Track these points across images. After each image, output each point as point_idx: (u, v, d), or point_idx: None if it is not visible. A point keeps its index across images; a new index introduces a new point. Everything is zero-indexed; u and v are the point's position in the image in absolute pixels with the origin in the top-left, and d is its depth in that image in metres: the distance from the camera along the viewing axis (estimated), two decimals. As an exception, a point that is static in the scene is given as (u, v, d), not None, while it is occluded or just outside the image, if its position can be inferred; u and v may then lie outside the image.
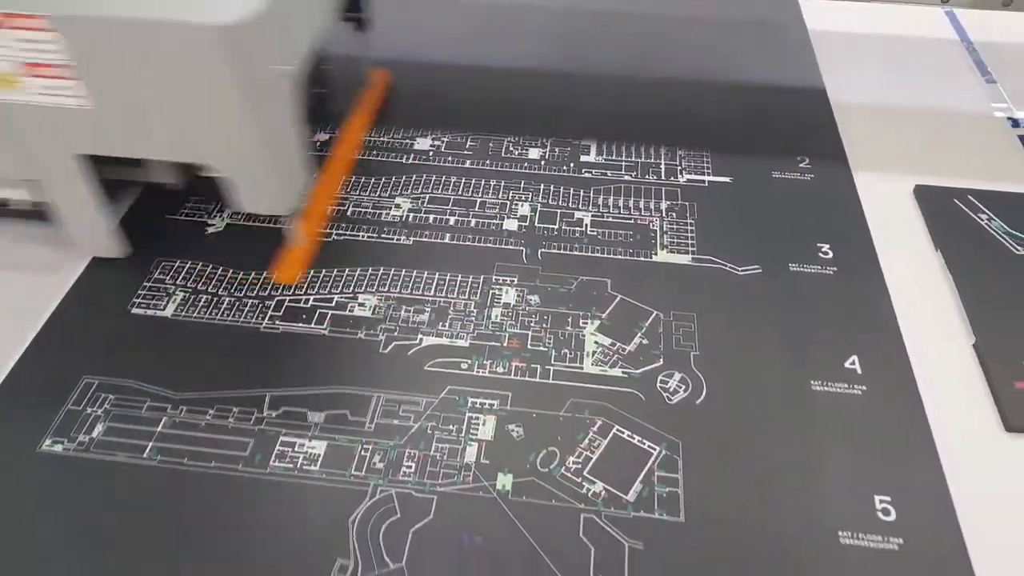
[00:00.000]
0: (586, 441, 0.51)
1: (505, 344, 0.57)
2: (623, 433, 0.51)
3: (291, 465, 0.49)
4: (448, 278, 0.61)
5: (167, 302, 0.59)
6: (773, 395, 0.53)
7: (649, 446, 0.50)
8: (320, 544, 0.45)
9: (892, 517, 0.47)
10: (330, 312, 0.59)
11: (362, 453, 0.50)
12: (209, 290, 0.60)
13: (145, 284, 0.60)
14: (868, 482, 0.49)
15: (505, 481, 0.48)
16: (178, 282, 0.61)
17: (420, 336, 0.57)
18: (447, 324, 0.58)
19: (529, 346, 0.56)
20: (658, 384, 0.54)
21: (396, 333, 0.57)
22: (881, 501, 0.48)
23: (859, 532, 0.46)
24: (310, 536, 0.45)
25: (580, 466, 0.49)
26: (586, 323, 0.58)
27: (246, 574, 0.44)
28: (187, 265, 0.62)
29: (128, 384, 0.53)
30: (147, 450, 0.50)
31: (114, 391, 0.53)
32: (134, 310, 0.59)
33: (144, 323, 0.58)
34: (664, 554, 0.45)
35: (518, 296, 0.60)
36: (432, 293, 0.60)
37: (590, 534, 0.46)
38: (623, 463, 0.49)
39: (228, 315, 0.58)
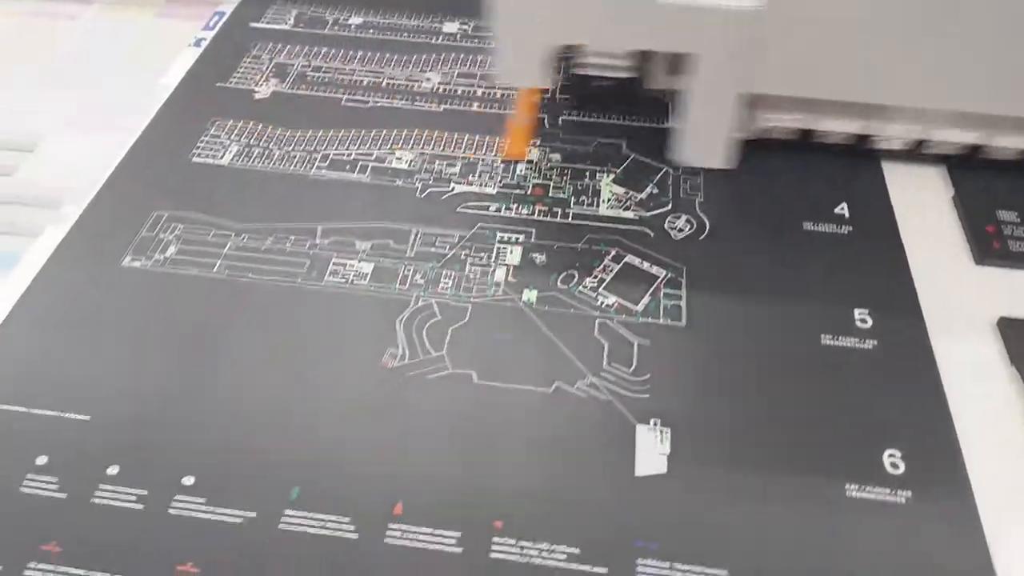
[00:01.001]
0: (601, 266, 0.57)
1: (529, 192, 0.63)
2: (634, 260, 0.58)
3: (343, 280, 0.56)
4: (476, 139, 0.68)
5: (224, 153, 0.66)
6: (768, 234, 0.60)
7: (656, 270, 0.57)
8: (372, 338, 0.52)
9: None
10: (371, 164, 0.65)
11: (404, 272, 0.57)
12: (260, 144, 0.67)
13: (203, 138, 0.67)
14: (850, 300, 0.55)
15: (530, 296, 0.55)
16: (232, 137, 0.67)
17: (452, 184, 0.64)
18: (476, 175, 0.64)
19: (551, 194, 0.63)
20: (666, 224, 0.61)
21: (431, 182, 0.64)
22: (859, 312, 0.54)
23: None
24: (362, 332, 0.53)
25: (596, 284, 0.56)
26: (602, 176, 0.65)
27: (308, 360, 0.51)
28: (239, 124, 0.68)
29: (194, 216, 0.60)
30: (216, 266, 0.57)
31: (182, 221, 0.60)
32: (195, 159, 0.65)
33: (204, 170, 0.64)
34: (667, 349, 0.52)
35: (541, 153, 0.66)
36: (463, 151, 0.67)
37: (604, 333, 0.53)
38: (633, 283, 0.56)
39: (279, 165, 0.65)
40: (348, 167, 0.65)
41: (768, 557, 0.42)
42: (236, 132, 0.68)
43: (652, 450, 0.47)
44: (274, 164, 0.65)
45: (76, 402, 0.48)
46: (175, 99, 0.71)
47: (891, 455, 0.47)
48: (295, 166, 0.65)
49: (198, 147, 0.66)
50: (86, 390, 0.49)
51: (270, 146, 0.66)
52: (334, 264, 0.57)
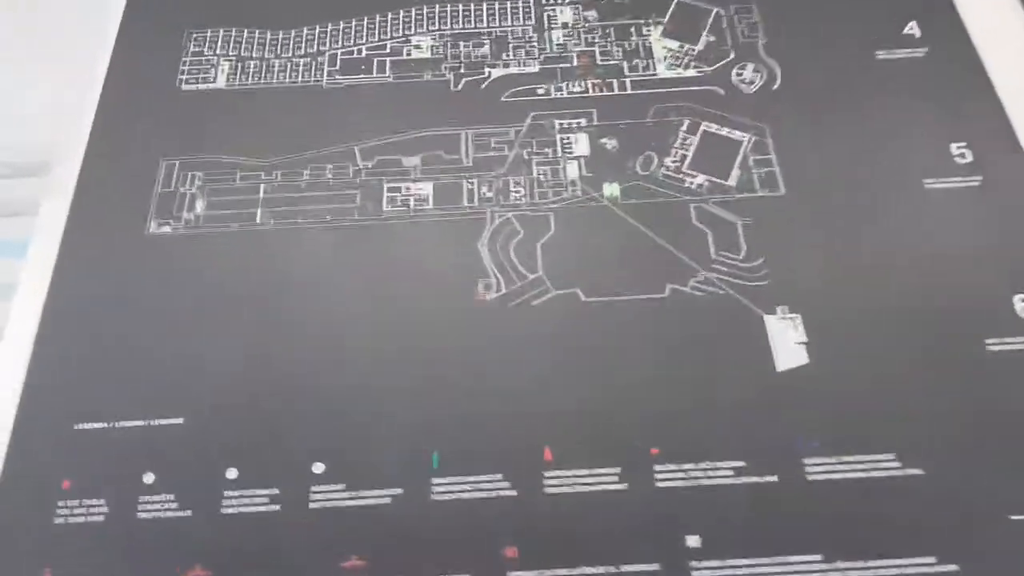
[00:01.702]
0: (678, 141, 0.52)
1: (575, 63, 0.56)
2: (711, 128, 0.53)
3: (404, 208, 0.50)
4: (497, 6, 0.59)
5: (215, 73, 0.56)
6: (842, 68, 0.55)
7: (738, 135, 0.52)
8: (457, 270, 0.47)
9: (969, 159, 0.50)
10: (388, 60, 0.57)
11: (468, 187, 0.51)
12: (254, 55, 0.57)
13: (184, 59, 0.57)
14: (943, 134, 0.52)
15: (612, 190, 0.50)
16: (217, 52, 0.57)
17: (487, 69, 0.56)
18: (511, 53, 0.57)
19: (599, 61, 0.56)
20: (733, 77, 0.55)
21: (462, 70, 0.56)
22: (958, 147, 0.51)
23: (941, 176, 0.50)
24: (445, 265, 0.48)
25: (678, 164, 0.51)
26: (649, 31, 0.57)
27: (397, 310, 0.46)
28: (220, 33, 0.58)
29: (210, 159, 0.52)
30: (257, 216, 0.50)
31: (199, 168, 0.52)
32: (184, 87, 0.56)
33: (199, 99, 0.55)
34: (772, 223, 0.48)
35: (574, 14, 0.58)
36: (485, 24, 0.58)
37: (703, 219, 0.49)
38: (717, 154, 0.52)
39: (283, 77, 0.56)
40: (363, 67, 0.56)
41: (934, 424, 0.41)
42: (221, 44, 0.58)
43: (787, 341, 0.44)
44: (277, 77, 0.56)
45: (162, 405, 0.44)
46: (133, 11, 0.60)
47: (1025, 300, 0.45)
48: (302, 76, 0.56)
49: (183, 71, 0.57)
50: (167, 389, 0.44)
51: (266, 55, 0.57)
52: (388, 191, 0.51)
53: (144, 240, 0.49)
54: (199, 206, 0.50)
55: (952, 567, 0.38)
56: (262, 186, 0.51)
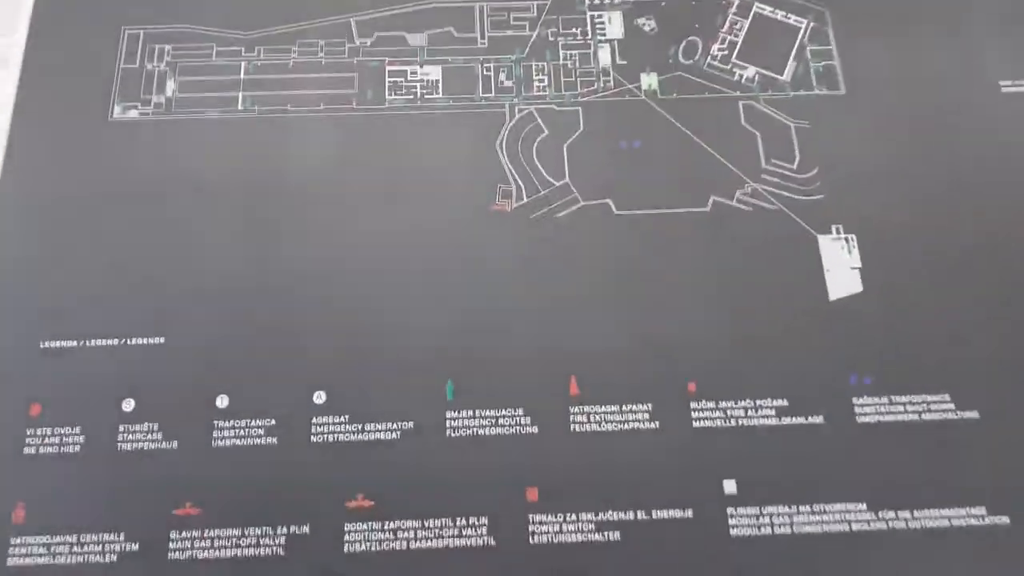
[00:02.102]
0: (727, 24, 0.45)
1: (608, -77, 0.48)
2: (764, 9, 0.46)
3: (410, 96, 0.43)
4: None
5: (182, -77, 0.47)
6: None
7: (795, 20, 0.45)
8: (472, 173, 0.41)
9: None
10: (387, -90, 0.48)
11: (484, 73, 0.44)
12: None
13: (143, -97, 0.48)
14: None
15: (650, 81, 0.44)
16: None
17: (505, -73, 0.47)
18: (532, -93, 0.48)
19: (636, -77, 0.48)
20: (792, -51, 0.47)
21: (475, -73, 0.47)
22: (1044, 45, 0.45)
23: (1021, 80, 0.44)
24: (457, 167, 0.42)
25: (726, 52, 0.44)
26: None
27: (404, 221, 0.41)
28: None
29: (182, 30, 0.45)
30: (239, 101, 0.43)
31: (168, 40, 0.44)
32: (144, -62, 0.47)
33: (164, -46, 0.47)
34: (830, 128, 0.43)
35: None
36: None
37: (752, 119, 0.43)
38: (771, 41, 0.45)
39: (263, -70, 0.47)
40: (357, -81, 0.48)
41: (993, 365, 0.38)
42: None
43: (841, 265, 0.40)
44: (256, -71, 0.47)
45: (139, 322, 0.38)
46: None
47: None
48: (285, -72, 0.47)
49: (142, -83, 0.47)
50: (144, 303, 0.39)
51: (240, -99, 0.48)
52: (391, 75, 0.44)
53: (108, 127, 0.42)
54: (170, 87, 0.43)
55: (1003, 519, 0.35)
56: (243, 64, 0.44)
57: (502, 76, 0.44)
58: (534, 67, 0.44)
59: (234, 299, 0.39)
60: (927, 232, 0.40)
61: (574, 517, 0.35)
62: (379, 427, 0.37)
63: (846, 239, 0.40)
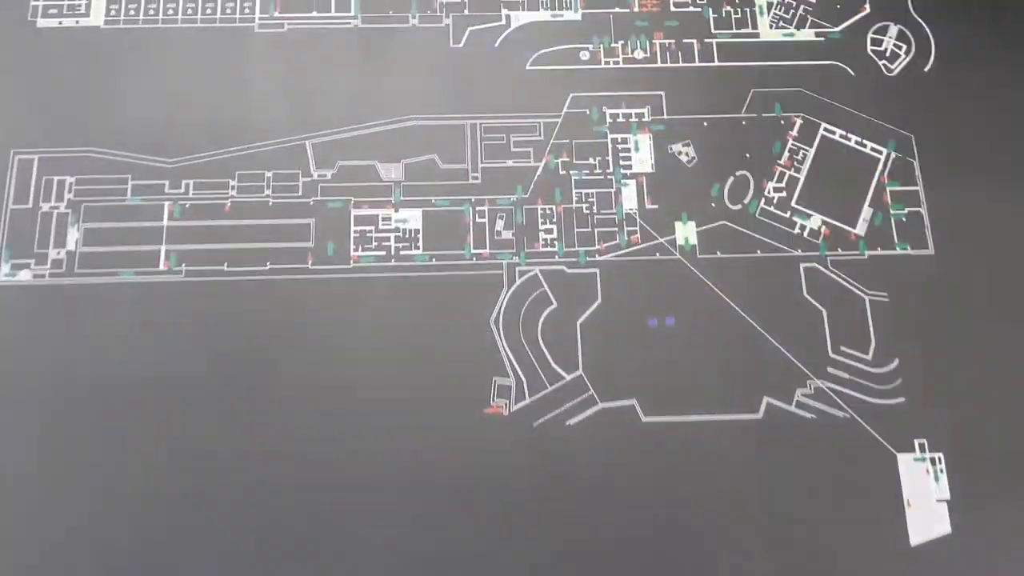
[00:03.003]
0: (786, 153, 0.36)
1: (636, 8, 0.37)
2: (833, 133, 0.36)
3: (381, 252, 0.34)
4: (520, -101, 0.39)
5: (87, 1, 0.37)
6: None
7: (872, 148, 0.36)
8: (460, 362, 0.33)
9: None
10: (353, -15, 0.37)
11: (477, 218, 0.34)
12: (147, -31, 0.37)
13: (38, -27, 0.37)
14: None
15: (687, 233, 0.34)
16: (90, -40, 0.37)
17: (504, 10, 0.37)
18: (540, -20, 0.38)
19: (673, 6, 0.37)
20: (869, 46, 0.37)
21: (466, 11, 0.37)
22: None
23: None
24: (442, 352, 0.33)
25: (784, 194, 0.35)
26: (748, -44, 0.38)
27: (356, 421, 0.32)
28: (92, -74, 0.38)
29: (89, 155, 0.35)
30: (162, 257, 0.33)
31: (71, 168, 0.35)
32: (41, 22, 0.36)
33: (65, 43, 0.36)
34: (915, 301, 0.34)
35: (636, -81, 0.39)
36: (501, -71, 0.38)
37: (816, 287, 0.34)
38: (841, 180, 0.35)
39: (193, 11, 0.37)
40: (316, -2, 0.37)
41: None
42: (93, -54, 0.38)
43: (925, 497, 0.31)
44: (186, 11, 0.37)
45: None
46: None
47: None
48: (222, 9, 0.37)
49: (37, -7, 0.37)
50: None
51: (165, -30, 0.37)
52: (357, 222, 0.34)
53: (-6, 286, 0.33)
54: (72, 238, 0.34)
55: None
56: (166, 207, 0.34)
57: (499, 225, 0.34)
58: (540, 212, 0.34)
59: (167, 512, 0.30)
60: (1035, 451, 0.32)
61: None
62: None
63: (932, 460, 0.32)
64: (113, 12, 0.36)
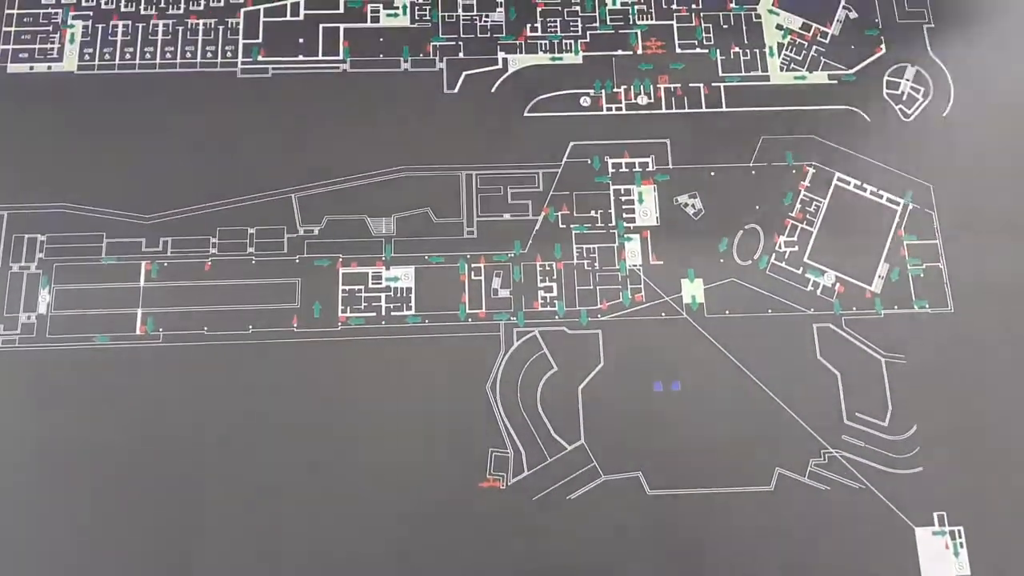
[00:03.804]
0: (797, 205, 0.34)
1: (640, 50, 0.35)
2: (847, 183, 0.34)
3: (371, 313, 0.32)
4: (517, -68, 0.37)
5: (59, 44, 0.35)
6: (1051, 84, 0.35)
7: (889, 199, 0.34)
8: (453, 432, 0.31)
9: None
10: (341, 27, 0.35)
11: (472, 276, 0.33)
12: (123, 8, 0.35)
13: (9, 12, 0.35)
14: None
15: (693, 290, 0.33)
16: (62, 0, 0.35)
17: (500, 53, 0.35)
18: (538, 24, 0.36)
19: (678, 47, 0.36)
20: (885, 88, 0.35)
21: (460, 53, 0.35)
22: None
23: None
24: (434, 421, 0.31)
25: (796, 249, 0.33)
26: (757, -6, 0.36)
27: (345, 498, 0.30)
28: (65, -36, 0.36)
29: (61, 210, 0.33)
30: (137, 321, 0.32)
31: (42, 226, 0.33)
32: (11, 67, 0.35)
33: (37, 90, 0.34)
34: (933, 363, 0.32)
35: (638, -46, 0.37)
36: (497, -35, 0.36)
37: (830, 349, 0.32)
38: (856, 233, 0.34)
39: (172, 54, 0.35)
40: (302, 41, 0.35)
41: None
42: (66, -15, 0.36)
43: (945, 572, 0.30)
44: (164, 55, 0.35)
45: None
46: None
47: None
48: (204, 53, 0.35)
49: (7, 38, 0.35)
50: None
51: (142, 13, 0.35)
52: (346, 280, 0.32)
53: (-39, 351, 0.31)
54: (43, 301, 0.32)
55: None
56: (143, 267, 0.32)
57: (496, 283, 0.32)
58: (539, 269, 0.33)
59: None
60: (1063, 524, 0.30)
61: None
62: None
63: (952, 533, 0.30)
64: (87, 57, 0.34)
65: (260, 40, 0.35)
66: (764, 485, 0.31)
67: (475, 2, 0.36)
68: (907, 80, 0.35)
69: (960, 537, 0.30)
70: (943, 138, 0.35)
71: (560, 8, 0.36)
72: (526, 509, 0.30)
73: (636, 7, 0.36)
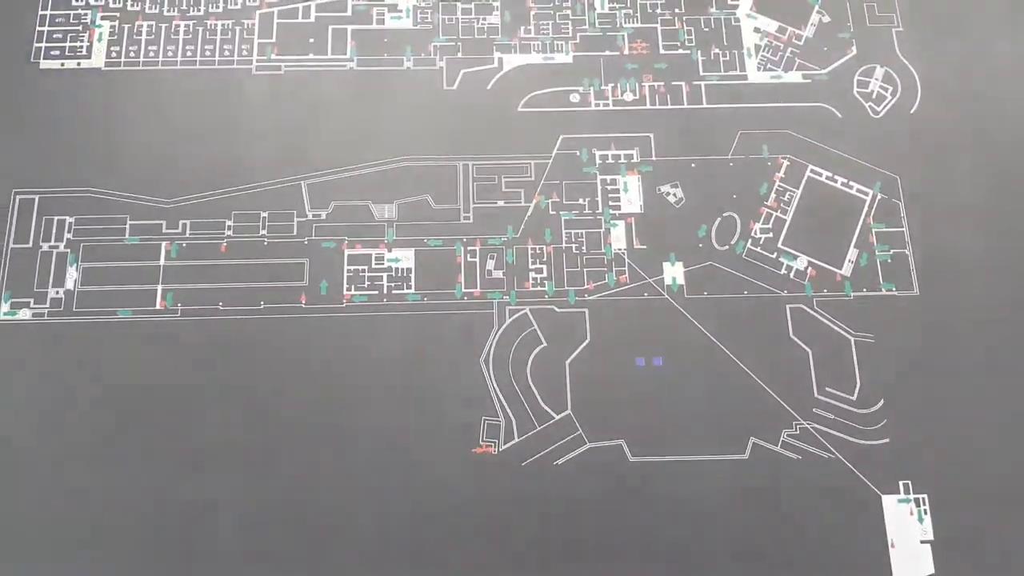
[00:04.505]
0: (772, 195, 0.36)
1: (626, 51, 0.38)
2: (819, 175, 0.36)
3: (374, 291, 0.34)
4: (513, -57, 0.40)
5: (88, 43, 0.38)
6: (1015, 83, 0.38)
7: (859, 189, 0.36)
8: (450, 400, 0.33)
9: None
10: (348, 28, 0.38)
11: (468, 258, 0.35)
12: (148, 10, 0.38)
13: (43, 11, 0.38)
14: None
15: (675, 273, 0.35)
16: (91, 2, 0.38)
17: (497, 54, 0.38)
18: (531, 27, 0.38)
19: (662, 49, 0.38)
20: (855, 87, 0.38)
21: (459, 54, 0.38)
22: None
23: None
24: (432, 390, 0.33)
25: (771, 235, 0.36)
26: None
27: (348, 458, 0.32)
28: (95, -30, 0.39)
29: (88, 195, 0.35)
30: (158, 296, 0.34)
31: (70, 209, 0.35)
32: (43, 63, 0.37)
33: (67, 85, 0.37)
34: (900, 342, 0.34)
35: (627, -37, 0.39)
36: (495, -29, 0.39)
37: (802, 328, 0.34)
38: (827, 221, 0.36)
39: (192, 52, 0.38)
40: (312, 41, 0.38)
41: None
42: (95, -11, 0.38)
43: (909, 538, 0.32)
44: (185, 54, 0.37)
45: None
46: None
47: None
48: (222, 51, 0.38)
49: (41, 36, 0.38)
50: None
51: (165, 15, 0.38)
52: (351, 261, 0.35)
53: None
54: (71, 278, 0.34)
55: None
56: (163, 247, 0.35)
57: (490, 265, 0.35)
58: (530, 252, 0.35)
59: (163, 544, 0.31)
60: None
61: None
62: None
63: (917, 501, 0.32)
64: (114, 54, 0.37)
65: (274, 39, 0.37)
66: (739, 454, 0.33)
67: (473, 6, 0.38)
68: (876, 80, 0.38)
69: (924, 504, 0.32)
70: (910, 134, 0.37)
71: (552, 12, 0.38)
72: (516, 473, 0.32)
73: (623, 11, 0.38)
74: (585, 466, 0.32)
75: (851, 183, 0.36)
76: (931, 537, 0.32)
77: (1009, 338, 0.34)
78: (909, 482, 0.32)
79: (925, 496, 0.32)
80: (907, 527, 0.32)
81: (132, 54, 0.37)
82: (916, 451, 0.33)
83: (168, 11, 0.38)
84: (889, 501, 0.32)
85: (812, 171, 0.36)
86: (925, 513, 0.32)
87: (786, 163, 0.36)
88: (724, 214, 0.36)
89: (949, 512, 0.32)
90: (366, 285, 0.34)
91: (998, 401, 0.33)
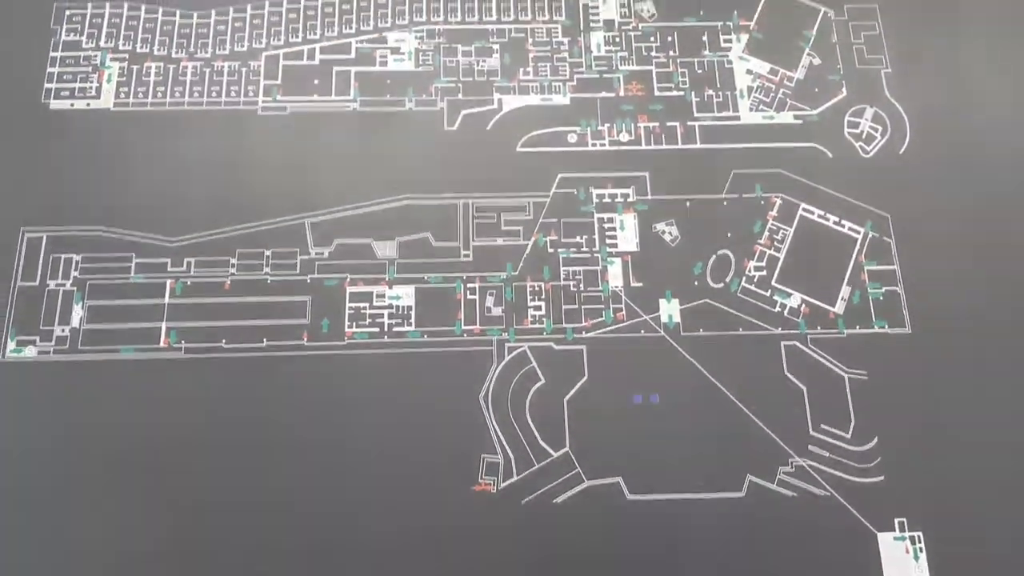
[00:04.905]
0: (765, 233, 0.37)
1: (622, 93, 0.39)
2: (811, 213, 0.37)
3: (375, 329, 0.35)
4: (513, -11, 0.41)
5: (97, 84, 0.38)
6: (1001, 124, 0.39)
7: (850, 228, 0.37)
8: (449, 438, 0.33)
9: None
10: (352, 71, 0.39)
11: (468, 295, 0.36)
12: (156, 52, 0.39)
13: (54, 54, 0.39)
14: None
15: (670, 310, 0.35)
16: (101, 44, 0.39)
17: (496, 95, 0.39)
18: (530, 67, 0.39)
19: (657, 90, 0.39)
20: (846, 128, 0.39)
21: (460, 96, 0.39)
22: None
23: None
24: (432, 427, 0.34)
25: (765, 273, 0.36)
26: (729, 41, 0.40)
27: (349, 495, 0.33)
28: (107, 9, 0.40)
29: (95, 234, 0.36)
30: (162, 334, 0.35)
31: (77, 246, 0.36)
32: (53, 103, 0.38)
33: (76, 125, 0.38)
34: (893, 379, 0.35)
35: (622, 5, 0.40)
36: (495, 16, 0.40)
37: (796, 365, 0.35)
38: (820, 258, 0.37)
39: (199, 93, 0.38)
40: (317, 83, 0.39)
41: None
42: (109, 32, 0.39)
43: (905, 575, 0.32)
44: (192, 94, 0.38)
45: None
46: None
47: None
48: (228, 92, 0.38)
49: (51, 78, 0.39)
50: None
51: (173, 56, 0.39)
52: (352, 299, 0.35)
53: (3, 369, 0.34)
54: (76, 316, 0.35)
55: None
56: (168, 285, 0.35)
57: (489, 302, 0.35)
58: (529, 289, 0.36)
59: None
60: (1019, 530, 0.33)
61: None
62: None
63: (912, 539, 0.32)
64: (123, 95, 0.38)
65: (279, 81, 0.38)
66: (736, 491, 0.33)
67: (473, 48, 0.39)
68: (866, 120, 0.39)
69: (919, 542, 0.32)
70: (900, 173, 0.38)
71: (550, 55, 0.39)
72: (515, 512, 0.33)
73: (619, 54, 0.39)
74: (584, 504, 0.33)
75: (843, 221, 0.37)
76: (927, 574, 0.32)
77: (1001, 374, 0.34)
78: (904, 520, 0.33)
79: (920, 534, 0.32)
80: (903, 565, 0.32)
81: (140, 95, 0.38)
82: (911, 489, 0.33)
83: (176, 53, 0.39)
84: (885, 539, 0.32)
85: (804, 209, 0.37)
86: (921, 551, 0.32)
87: (779, 202, 0.37)
88: (719, 252, 0.36)
89: (944, 550, 0.32)
90: (367, 323, 0.35)
91: (992, 437, 0.34)
